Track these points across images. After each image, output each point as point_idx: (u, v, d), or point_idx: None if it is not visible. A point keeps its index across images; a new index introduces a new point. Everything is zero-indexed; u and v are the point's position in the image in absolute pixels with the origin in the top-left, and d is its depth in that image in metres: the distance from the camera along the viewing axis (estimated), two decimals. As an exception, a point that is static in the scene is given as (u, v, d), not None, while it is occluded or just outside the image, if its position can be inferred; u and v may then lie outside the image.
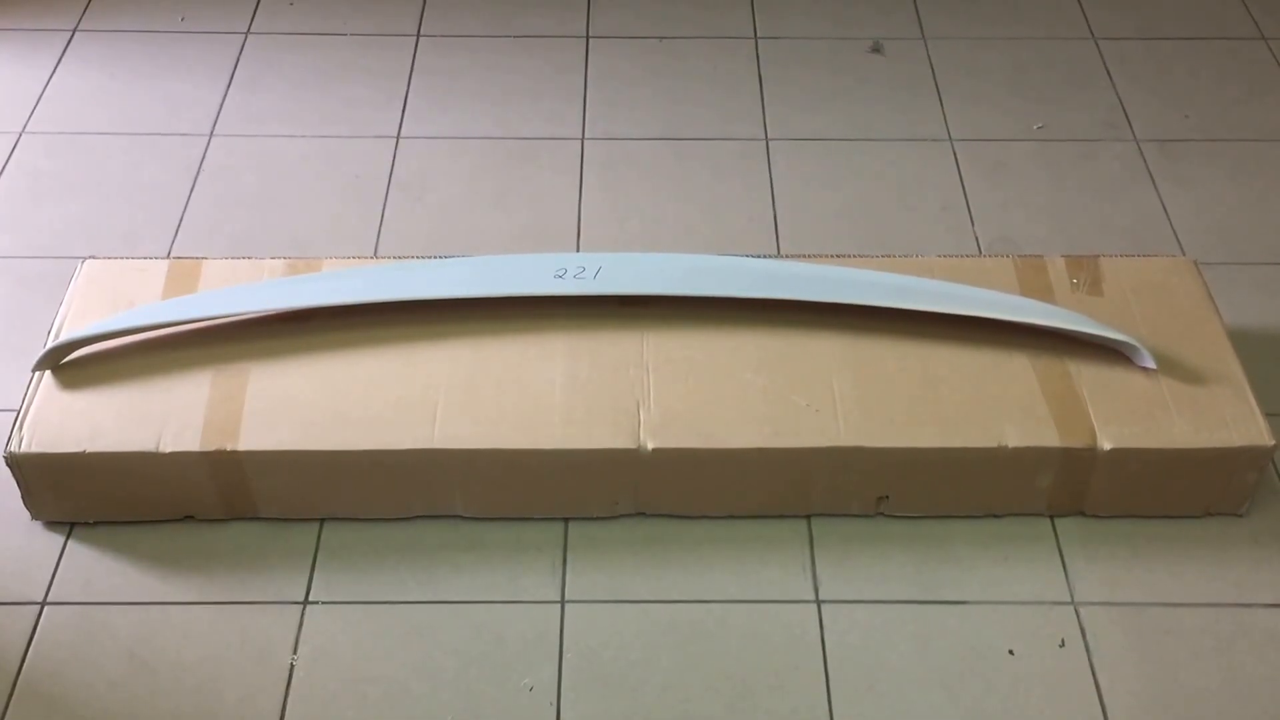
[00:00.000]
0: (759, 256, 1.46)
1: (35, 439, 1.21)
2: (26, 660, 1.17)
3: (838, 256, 1.44)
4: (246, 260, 1.40)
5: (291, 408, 1.24)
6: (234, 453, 1.22)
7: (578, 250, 1.59)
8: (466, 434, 1.23)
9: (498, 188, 1.66)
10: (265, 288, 1.33)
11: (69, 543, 1.26)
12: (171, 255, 1.57)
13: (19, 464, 1.22)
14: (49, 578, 1.23)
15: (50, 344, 1.27)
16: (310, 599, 1.22)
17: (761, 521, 1.29)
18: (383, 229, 1.60)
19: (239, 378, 1.27)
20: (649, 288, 1.34)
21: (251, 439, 1.22)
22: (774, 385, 1.28)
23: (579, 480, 1.26)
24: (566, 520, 1.30)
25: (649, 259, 1.38)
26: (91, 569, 1.24)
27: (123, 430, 1.22)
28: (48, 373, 1.27)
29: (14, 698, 1.14)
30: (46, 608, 1.21)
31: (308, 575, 1.24)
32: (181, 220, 1.61)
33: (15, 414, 1.24)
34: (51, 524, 1.28)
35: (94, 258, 1.40)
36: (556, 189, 1.66)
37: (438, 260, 1.40)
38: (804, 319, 1.34)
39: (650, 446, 1.23)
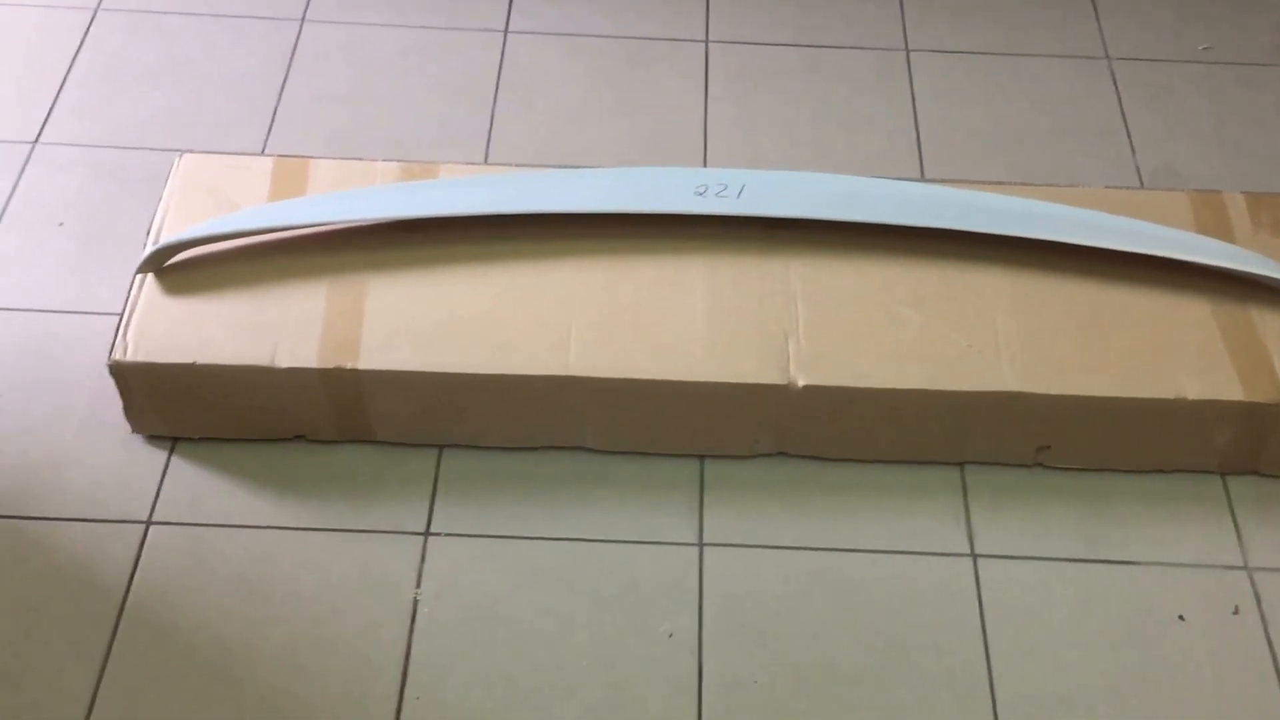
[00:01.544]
0: (909, 180, 1.43)
1: (141, 348, 1.21)
2: (133, 583, 1.18)
3: (994, 184, 1.41)
4: (357, 161, 1.39)
5: (413, 325, 1.23)
6: (353, 371, 1.21)
7: (705, 165, 1.56)
8: (602, 362, 1.22)
9: (615, 93, 1.63)
10: (382, 194, 1.31)
11: (172, 459, 1.26)
12: (265, 152, 1.54)
13: (124, 374, 1.21)
14: (153, 496, 1.24)
15: (152, 246, 1.26)
16: (432, 530, 1.22)
17: (910, 468, 1.28)
18: (492, 134, 1.58)
19: (356, 290, 1.26)
20: (797, 210, 1.32)
21: (372, 357, 1.21)
22: (931, 322, 1.26)
23: (719, 416, 1.25)
24: (702, 458, 1.29)
25: (797, 179, 1.36)
26: (197, 488, 1.24)
27: (235, 342, 1.21)
28: (150, 276, 1.26)
29: (121, 622, 1.15)
30: (152, 527, 1.22)
31: (428, 505, 1.24)
32: (275, 114, 1.59)
33: (117, 320, 1.23)
34: (153, 438, 1.28)
35: (191, 151, 1.38)
36: (679, 97, 1.63)
37: (567, 171, 1.37)
38: (963, 251, 1.31)
39: (800, 383, 1.22)
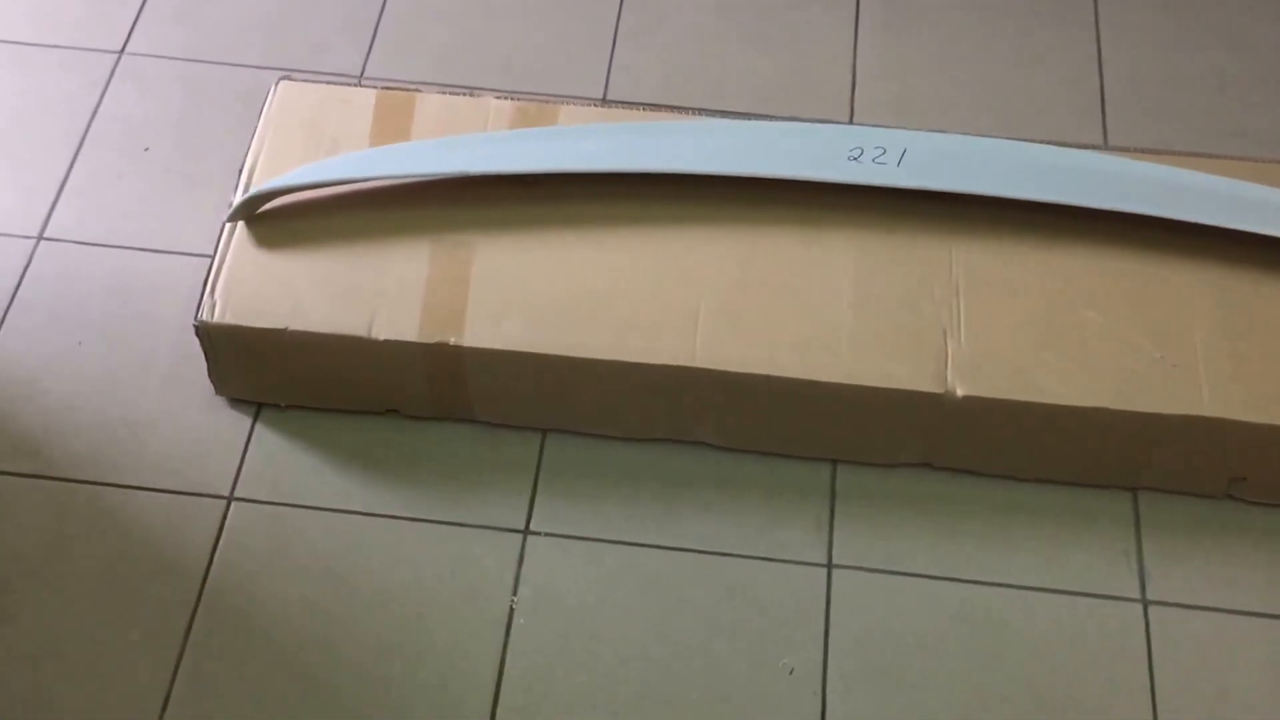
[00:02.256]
0: (1092, 149, 1.27)
1: (230, 308, 1.13)
2: (212, 565, 1.12)
3: (1199, 156, 1.24)
4: (467, 97, 1.27)
5: (524, 297, 1.13)
6: (456, 347, 1.12)
7: (851, 113, 1.42)
8: (733, 353, 1.11)
9: (751, 21, 1.49)
10: (494, 143, 1.20)
11: (257, 426, 1.19)
12: (366, 73, 1.44)
13: (210, 335, 1.14)
14: (235, 468, 1.17)
15: (243, 195, 1.16)
16: (531, 528, 1.14)
17: (1076, 490, 1.16)
18: (613, 61, 1.45)
19: (462, 253, 1.16)
20: (966, 184, 1.18)
21: (478, 333, 1.12)
22: (1118, 327, 1.12)
23: (861, 420, 1.14)
24: (835, 463, 1.18)
25: (966, 146, 1.21)
26: (283, 462, 1.17)
27: (330, 307, 1.13)
28: (241, 225, 1.17)
29: (199, 610, 1.10)
30: (234, 504, 1.15)
31: (528, 499, 1.15)
32: (376, 31, 1.47)
33: (205, 272, 1.15)
34: (237, 402, 1.21)
35: (289, 77, 1.28)
36: (825, 29, 1.49)
37: (701, 122, 1.24)
38: (1160, 241, 1.17)
39: (959, 392, 1.09)
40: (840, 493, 1.16)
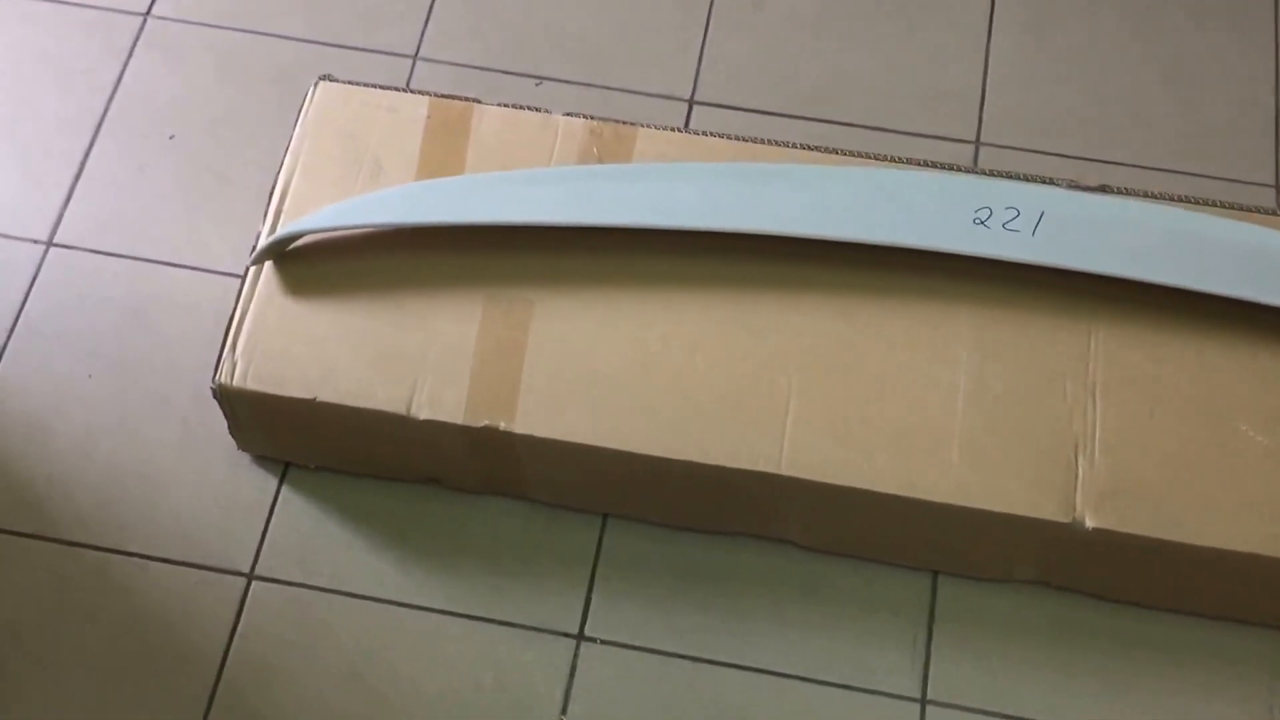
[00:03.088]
0: (1261, 186, 1.10)
1: (253, 371, 1.01)
2: (229, 656, 1.03)
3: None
4: (533, 112, 1.12)
5: (587, 374, 1.01)
6: (507, 434, 0.99)
7: (979, 127, 1.25)
8: (828, 462, 0.98)
9: (860, 11, 1.31)
10: (560, 183, 1.06)
11: (282, 489, 1.09)
12: (420, 52, 1.29)
13: (229, 399, 1.03)
14: (257, 539, 1.07)
15: (269, 237, 1.04)
16: (586, 633, 1.03)
17: (1215, 626, 1.02)
18: (704, 55, 1.28)
19: (518, 313, 1.03)
20: (1116, 265, 1.02)
21: (532, 419, 1.00)
22: (1284, 452, 0.97)
23: (969, 537, 1.01)
24: (936, 574, 1.05)
25: (1117, 210, 1.06)
26: (310, 534, 1.07)
27: (366, 375, 1.01)
28: (269, 265, 1.04)
29: (214, 704, 1.00)
30: (254, 583, 1.05)
31: (584, 597, 1.05)
32: (431, 10, 1.31)
33: (229, 318, 1.03)
34: (262, 458, 1.09)
35: (330, 78, 1.13)
36: (954, 26, 1.30)
37: (800, 169, 1.08)
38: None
39: (1090, 524, 0.96)
40: (940, 611, 1.05)
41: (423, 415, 1.00)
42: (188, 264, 1.18)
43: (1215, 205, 1.08)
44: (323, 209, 1.05)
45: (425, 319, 1.03)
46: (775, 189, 1.06)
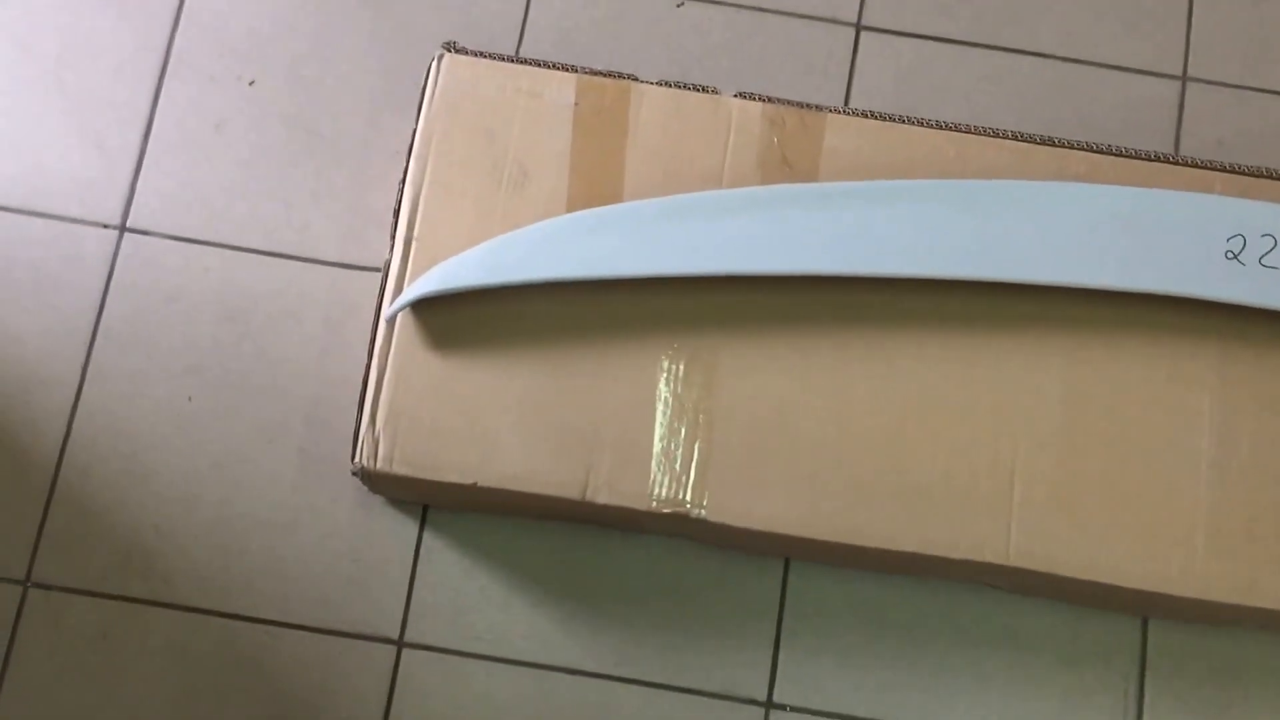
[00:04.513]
0: None
1: (399, 451, 0.90)
2: (385, 735, 0.96)
3: None
4: (700, 93, 0.97)
5: (786, 448, 0.91)
6: (699, 520, 0.90)
7: (1185, 52, 1.09)
8: (1060, 552, 0.90)
9: None
10: (745, 215, 0.92)
11: (424, 536, 1.00)
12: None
13: (374, 481, 0.92)
14: (403, 598, 0.99)
15: (396, 303, 0.90)
16: (775, 699, 0.98)
17: None
18: (857, 64, 1.10)
19: (702, 375, 0.92)
20: (1396, 314, 0.91)
21: (726, 505, 0.91)
22: None
23: (1202, 613, 0.94)
24: (1146, 619, 1.00)
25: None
26: (460, 589, 1.00)
27: (533, 455, 0.91)
28: (407, 314, 0.92)
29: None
30: (404, 651, 0.98)
31: (770, 654, 0.99)
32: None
33: (363, 381, 0.92)
34: (397, 501, 1.00)
35: (456, 46, 0.96)
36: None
37: (1019, 186, 0.94)
38: None
39: (1346, 616, 0.89)
40: (1153, 661, 0.99)
41: (601, 500, 0.90)
42: (286, 252, 1.04)
43: None
44: (465, 255, 0.90)
45: (597, 380, 0.91)
46: (994, 218, 0.92)
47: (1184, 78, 1.10)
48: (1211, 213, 0.93)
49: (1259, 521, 0.90)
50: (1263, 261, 0.91)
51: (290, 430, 1.01)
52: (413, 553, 0.99)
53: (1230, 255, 0.91)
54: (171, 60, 1.06)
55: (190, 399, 1.01)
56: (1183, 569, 0.90)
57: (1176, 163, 0.97)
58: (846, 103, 1.07)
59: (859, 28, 1.09)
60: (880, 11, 1.10)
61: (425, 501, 1.00)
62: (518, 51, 1.07)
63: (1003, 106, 1.08)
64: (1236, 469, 0.91)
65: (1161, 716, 0.98)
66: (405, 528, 1.00)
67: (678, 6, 1.08)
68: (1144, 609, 0.98)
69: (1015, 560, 0.90)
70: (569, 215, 0.91)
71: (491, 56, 0.96)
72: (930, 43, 1.09)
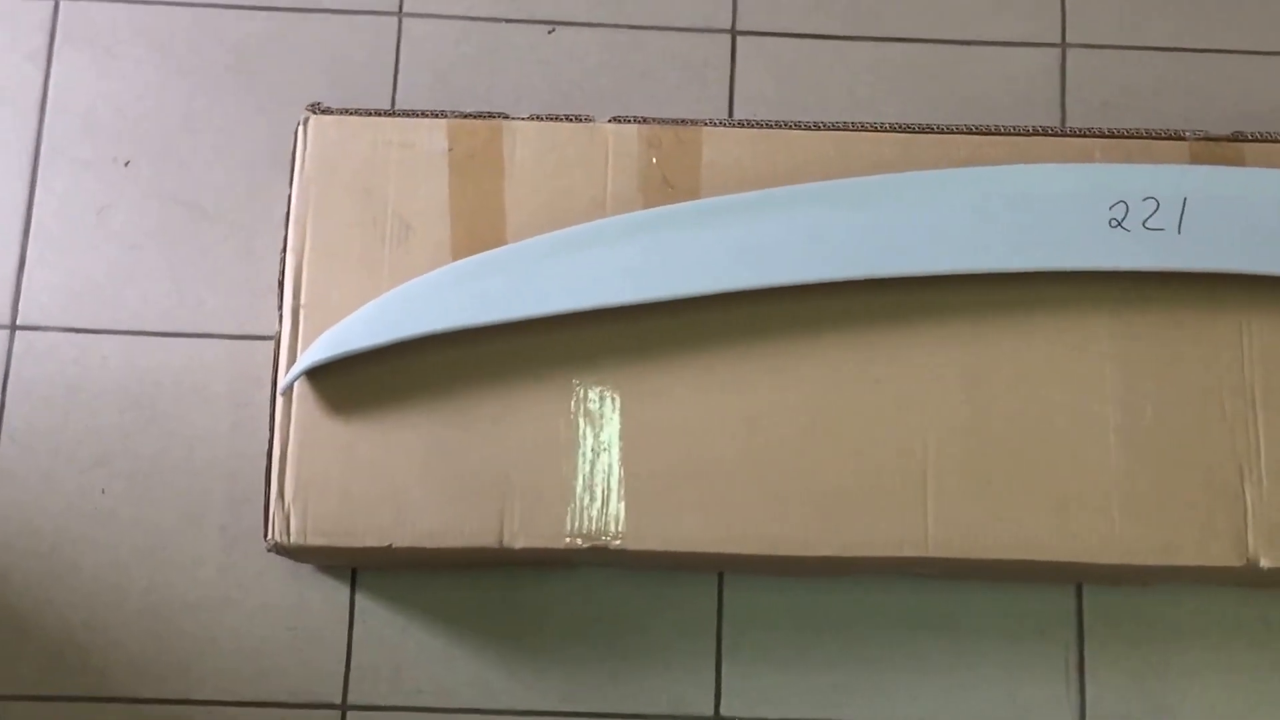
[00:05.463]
0: None
1: (312, 524, 0.91)
2: (339, 801, 0.97)
3: None
4: (573, 123, 0.98)
5: (695, 470, 0.92)
6: (619, 551, 0.92)
7: (1062, 20, 1.11)
8: (978, 536, 0.92)
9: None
10: (629, 241, 0.94)
11: (356, 598, 1.01)
12: (404, 10, 1.11)
13: (290, 553, 0.93)
14: (342, 661, 1.00)
15: (291, 371, 0.92)
16: (722, 713, 0.99)
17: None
18: (737, 71, 1.11)
19: (604, 405, 0.93)
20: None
21: (643, 532, 0.92)
22: None
23: (1129, 575, 0.97)
24: (1079, 586, 1.02)
25: (1275, 181, 0.95)
26: (398, 645, 1.01)
27: (446, 508, 0.92)
28: (303, 384, 0.93)
29: None
30: (350, 714, 0.99)
31: (714, 670, 1.01)
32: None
33: (265, 458, 0.93)
34: (326, 566, 1.02)
35: (320, 108, 0.97)
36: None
37: (903, 179, 0.96)
38: None
39: (1264, 563, 0.92)
40: (1089, 625, 1.01)
41: (519, 545, 0.92)
42: (183, 330, 1.05)
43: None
44: (352, 319, 0.91)
45: (501, 425, 0.93)
46: (880, 214, 0.94)
47: (1063, 44, 1.11)
48: (1092, 182, 0.95)
49: (1170, 481, 0.92)
50: (1146, 225, 0.93)
51: (210, 509, 1.02)
52: (347, 616, 1.00)
53: (1114, 223, 0.93)
54: (43, 149, 1.07)
55: (104, 491, 1.02)
56: (1102, 537, 0.92)
57: (1058, 134, 0.98)
58: (730, 110, 1.08)
59: (734, 33, 1.11)
60: (754, 15, 1.11)
61: (352, 564, 1.01)
62: (394, 99, 1.08)
63: (888, 97, 1.10)
64: (1144, 432, 0.93)
65: (1102, 680, 1.00)
66: (337, 592, 1.01)
67: (549, 33, 1.09)
68: (1073, 578, 1.00)
69: (934, 551, 0.91)
70: (451, 265, 0.92)
71: (359, 112, 0.97)
72: (808, 41, 1.11)
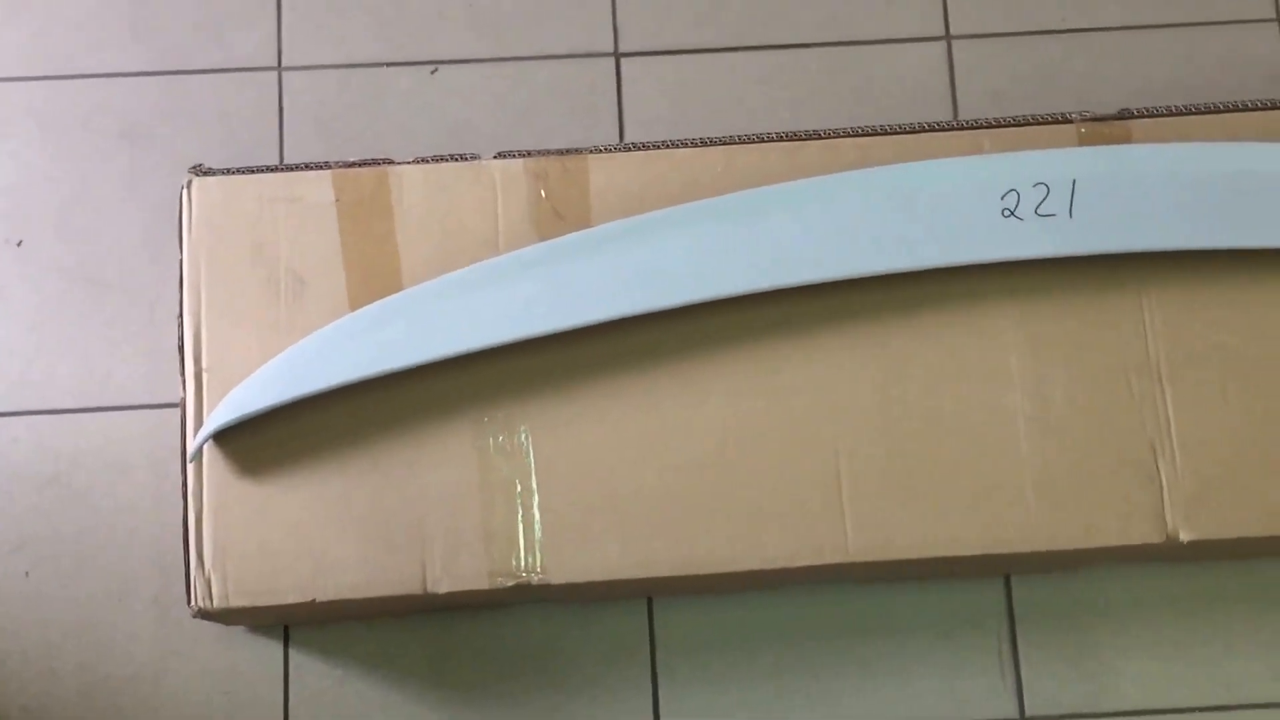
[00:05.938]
0: None
1: (234, 587, 0.92)
2: None
3: None
4: (459, 162, 0.99)
5: (610, 499, 0.93)
6: (542, 586, 0.92)
7: (944, 12, 1.12)
8: (898, 536, 0.93)
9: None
10: (522, 277, 0.94)
11: (291, 656, 1.02)
12: (284, 64, 1.11)
13: (214, 617, 0.93)
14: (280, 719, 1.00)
15: (199, 436, 0.92)
16: (664, 731, 1.00)
17: None
18: (624, 93, 1.12)
19: (517, 439, 0.94)
20: (1173, 236, 0.94)
21: (564, 565, 0.93)
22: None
23: (1052, 560, 0.98)
24: (1008, 577, 1.03)
25: (1161, 156, 0.96)
26: (337, 699, 1.03)
27: (366, 558, 0.92)
28: (212, 448, 0.93)
29: None
30: (293, 775, 0.99)
31: (649, 693, 1.02)
32: (280, 4, 1.13)
33: (181, 529, 0.92)
34: (257, 627, 1.02)
35: (202, 169, 0.97)
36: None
37: (793, 188, 0.96)
38: None
39: (1184, 537, 0.93)
40: (1020, 613, 1.02)
41: (442, 589, 0.92)
42: (94, 405, 1.05)
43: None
44: (252, 380, 0.92)
45: (414, 470, 0.93)
46: (773, 223, 0.95)
47: (948, 37, 1.13)
48: (982, 174, 0.96)
49: (1083, 465, 0.93)
50: (1039, 211, 0.94)
51: (139, 581, 1.02)
52: (282, 674, 1.01)
53: (1007, 213, 0.94)
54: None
55: (27, 574, 1.02)
56: (1020, 527, 0.93)
57: (946, 129, 0.99)
58: (622, 134, 1.09)
59: (618, 56, 1.11)
60: (637, 35, 1.12)
61: (283, 622, 1.01)
62: (282, 153, 1.08)
63: (779, 105, 1.11)
64: (1054, 419, 0.94)
65: (1037, 667, 1.01)
66: (270, 650, 1.01)
67: (432, 73, 1.10)
68: (1000, 569, 1.01)
69: (855, 555, 0.92)
70: (348, 316, 0.93)
71: (242, 171, 0.97)
72: (694, 56, 1.12)
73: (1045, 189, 0.94)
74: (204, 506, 0.92)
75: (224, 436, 0.92)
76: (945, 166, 0.96)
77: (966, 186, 0.94)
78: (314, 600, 0.91)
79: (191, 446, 0.91)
